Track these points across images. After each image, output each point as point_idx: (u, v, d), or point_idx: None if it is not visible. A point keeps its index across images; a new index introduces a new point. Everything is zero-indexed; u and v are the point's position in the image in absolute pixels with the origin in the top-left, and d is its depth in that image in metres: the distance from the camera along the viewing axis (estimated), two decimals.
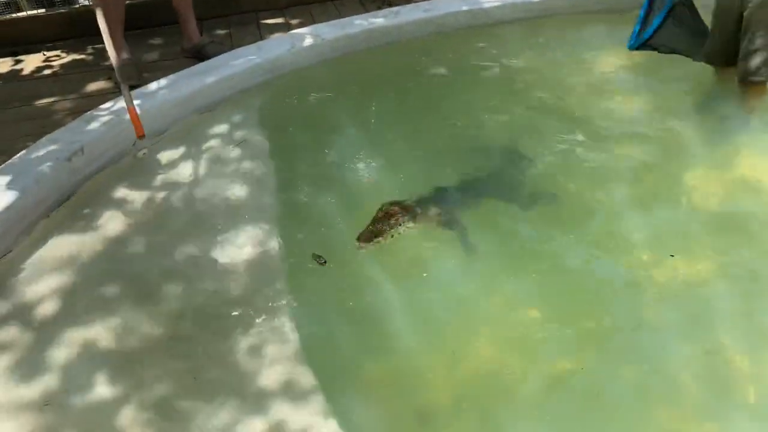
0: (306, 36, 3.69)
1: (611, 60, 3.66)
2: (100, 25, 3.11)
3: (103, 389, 1.98)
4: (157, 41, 3.57)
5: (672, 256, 2.34)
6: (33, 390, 1.99)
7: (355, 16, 3.92)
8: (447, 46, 3.85)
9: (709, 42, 3.11)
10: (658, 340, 2.09)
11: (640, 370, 2.00)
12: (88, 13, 4.13)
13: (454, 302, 2.27)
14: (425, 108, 3.37)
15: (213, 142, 3.09)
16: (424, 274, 2.38)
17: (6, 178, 2.58)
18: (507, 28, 3.97)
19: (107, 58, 3.86)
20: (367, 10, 4.29)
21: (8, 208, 2.46)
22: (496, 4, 4.00)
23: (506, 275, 2.35)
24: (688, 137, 3.01)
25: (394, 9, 4.02)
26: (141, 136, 2.90)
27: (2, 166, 2.69)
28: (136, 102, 3.00)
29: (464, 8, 3.97)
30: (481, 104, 3.35)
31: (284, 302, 2.24)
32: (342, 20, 3.92)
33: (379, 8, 4.28)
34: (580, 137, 3.06)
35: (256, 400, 1.91)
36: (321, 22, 4.08)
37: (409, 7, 4.07)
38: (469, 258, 2.40)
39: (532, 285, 2.29)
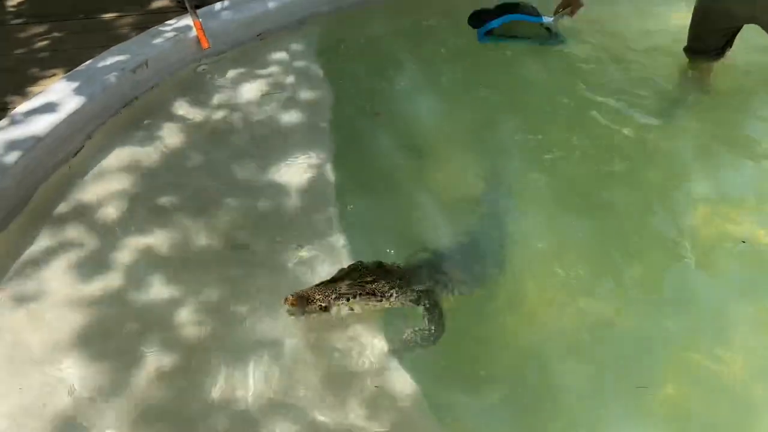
0: None
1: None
2: None
3: (161, 290, 2.08)
4: None
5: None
6: (96, 286, 2.09)
7: None
8: None
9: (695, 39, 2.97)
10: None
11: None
12: None
13: None
14: (476, 50, 3.30)
15: (272, 68, 3.11)
16: None
17: (74, 84, 2.65)
18: None
19: None
20: None
21: (76, 112, 2.53)
22: None
23: None
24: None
25: None
26: (206, 48, 2.97)
27: (71, 72, 2.76)
28: (199, 20, 3.04)
29: None
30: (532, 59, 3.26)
31: (334, 222, 2.29)
32: None
33: None
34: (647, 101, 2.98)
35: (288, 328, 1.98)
36: None
37: None
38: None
39: None
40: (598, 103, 2.87)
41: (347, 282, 1.92)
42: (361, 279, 1.94)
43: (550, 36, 3.24)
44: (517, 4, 3.23)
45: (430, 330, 1.93)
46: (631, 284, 2.10)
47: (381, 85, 3.06)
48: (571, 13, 3.14)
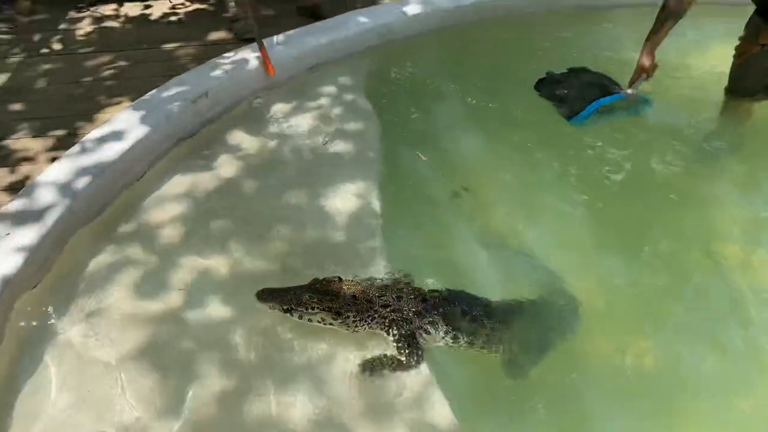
0: (418, 4, 3.77)
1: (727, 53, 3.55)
2: None
3: (215, 310, 2.20)
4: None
5: None
6: (155, 304, 2.23)
7: None
8: (555, 25, 3.85)
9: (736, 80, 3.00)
10: None
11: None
12: None
13: None
14: (523, 87, 3.39)
15: (322, 99, 3.26)
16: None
17: (139, 113, 2.83)
18: (619, 12, 3.91)
19: (228, 9, 4.08)
20: None
21: (141, 140, 2.71)
22: None
23: None
24: None
25: None
26: (272, 75, 3.18)
27: (137, 101, 2.94)
28: (255, 54, 3.21)
29: None
30: None
31: (379, 250, 2.39)
32: None
33: None
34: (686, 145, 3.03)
35: (349, 335, 2.08)
36: None
37: None
38: None
39: None
40: (639, 143, 2.92)
41: (315, 295, 2.03)
42: (325, 295, 2.04)
43: (637, 102, 3.09)
44: (585, 69, 3.24)
45: (398, 360, 1.99)
46: (667, 326, 2.13)
47: (426, 119, 3.17)
48: (648, 77, 2.99)
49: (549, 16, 3.90)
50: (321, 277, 2.12)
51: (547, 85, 3.23)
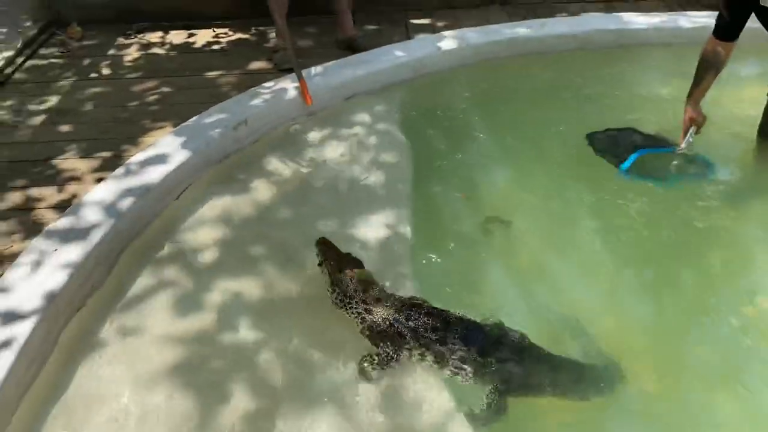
0: (451, 39, 3.87)
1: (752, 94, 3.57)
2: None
3: (247, 333, 2.27)
4: (313, 30, 3.88)
5: None
6: (189, 324, 2.30)
7: (501, 24, 4.07)
8: (588, 63, 3.90)
9: None
10: None
11: None
12: None
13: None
14: (555, 123, 3.44)
15: (356, 129, 3.35)
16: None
17: (182, 138, 2.96)
18: (652, 51, 3.96)
19: (268, 40, 4.24)
20: (511, 20, 4.40)
21: (183, 164, 2.83)
22: (643, 26, 4.00)
23: None
24: None
25: (540, 21, 4.11)
26: (309, 104, 3.32)
27: (180, 127, 3.08)
28: (296, 84, 3.34)
29: (611, 27, 4.00)
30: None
31: (408, 281, 2.44)
32: (488, 27, 4.06)
33: (524, 18, 4.37)
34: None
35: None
36: (466, 26, 4.25)
37: (555, 19, 4.16)
38: None
39: None
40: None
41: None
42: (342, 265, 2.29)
43: (696, 165, 2.99)
44: (635, 129, 3.21)
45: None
46: (689, 365, 2.14)
47: (458, 151, 3.23)
48: (697, 131, 2.92)
49: (581, 53, 3.95)
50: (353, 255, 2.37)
51: (599, 139, 3.19)
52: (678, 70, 3.79)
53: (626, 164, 2.96)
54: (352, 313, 2.20)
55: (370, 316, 2.16)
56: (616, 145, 3.13)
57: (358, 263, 2.33)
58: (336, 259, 2.33)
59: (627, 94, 3.69)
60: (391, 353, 2.10)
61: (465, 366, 2.04)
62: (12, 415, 1.94)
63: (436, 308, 2.18)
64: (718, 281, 2.49)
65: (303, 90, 3.32)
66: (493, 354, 2.03)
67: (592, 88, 3.73)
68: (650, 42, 4.01)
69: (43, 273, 2.26)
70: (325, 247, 2.40)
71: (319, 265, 2.37)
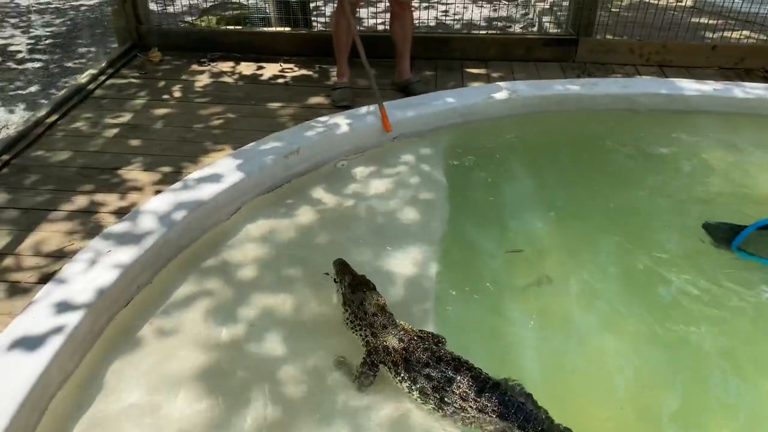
0: (503, 89, 4.01)
1: None
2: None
3: (274, 346, 2.41)
4: (373, 71, 4.05)
5: None
6: (222, 333, 2.46)
7: (553, 80, 4.19)
8: (637, 125, 3.96)
9: None
10: None
11: None
12: (322, 36, 4.84)
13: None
14: (597, 180, 3.51)
15: (400, 167, 3.50)
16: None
17: (238, 161, 3.18)
18: (703, 118, 3.99)
19: (329, 78, 4.48)
20: (565, 76, 4.53)
21: (235, 185, 3.03)
22: (694, 92, 4.04)
23: None
24: None
25: (593, 80, 4.22)
26: (389, 131, 3.60)
27: (237, 150, 3.31)
28: (348, 121, 3.54)
29: (663, 91, 4.06)
30: (654, 191, 3.42)
31: (430, 318, 2.54)
32: (540, 81, 4.20)
33: (579, 76, 4.48)
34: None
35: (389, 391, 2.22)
36: (520, 79, 4.40)
37: (608, 80, 4.25)
38: None
39: None
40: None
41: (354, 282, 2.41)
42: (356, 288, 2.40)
43: None
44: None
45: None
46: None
47: (496, 198, 3.34)
48: None
49: (631, 115, 4.01)
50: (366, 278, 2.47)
51: (719, 230, 3.05)
52: (728, 140, 3.85)
53: (740, 238, 2.87)
54: (360, 334, 2.32)
55: (374, 340, 2.26)
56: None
57: (370, 286, 2.42)
58: (350, 281, 2.44)
59: (667, 157, 3.72)
60: (369, 374, 2.22)
61: (446, 408, 2.08)
62: (51, 398, 2.12)
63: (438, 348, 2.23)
64: (737, 343, 2.47)
65: (383, 118, 3.58)
66: (484, 401, 2.04)
67: (639, 149, 3.79)
68: (702, 109, 4.04)
69: (96, 270, 2.47)
70: (342, 267, 2.53)
71: (335, 281, 2.51)
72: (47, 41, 6.32)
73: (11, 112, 4.82)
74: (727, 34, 5.08)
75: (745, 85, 4.16)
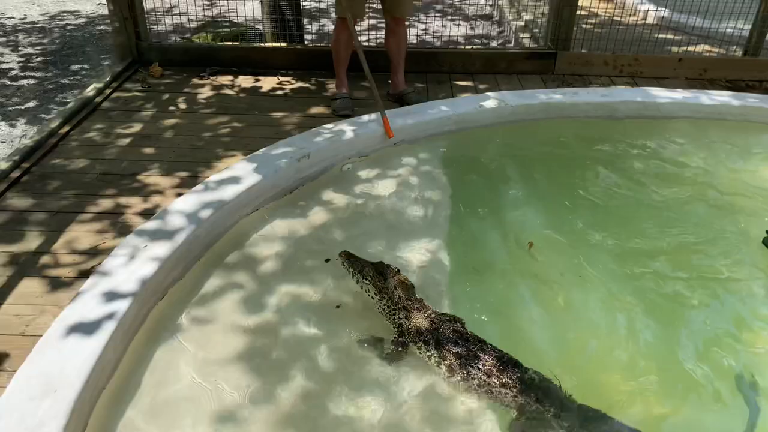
0: (492, 99, 4.31)
1: None
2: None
3: (304, 329, 2.62)
4: (368, 83, 4.32)
5: None
6: (254, 320, 2.66)
7: (538, 90, 4.52)
8: (615, 130, 4.30)
9: None
10: None
11: None
12: (316, 51, 5.11)
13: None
14: (583, 179, 3.83)
15: (402, 170, 3.76)
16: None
17: (253, 165, 3.39)
18: (675, 123, 4.35)
19: (326, 89, 4.73)
20: (546, 87, 4.86)
21: (253, 186, 3.24)
22: (666, 100, 4.41)
23: None
24: None
25: (574, 89, 4.56)
26: (391, 137, 3.86)
27: (251, 155, 3.52)
28: (352, 128, 3.79)
29: (638, 99, 4.42)
30: (632, 189, 3.74)
31: (445, 301, 2.78)
32: (525, 91, 4.53)
33: (559, 87, 4.82)
34: (727, 240, 3.34)
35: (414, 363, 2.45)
36: (504, 90, 4.71)
37: (587, 89, 4.59)
38: None
39: None
40: (696, 247, 3.26)
41: (373, 270, 2.61)
42: (379, 274, 2.60)
43: None
44: None
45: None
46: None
47: (493, 194, 3.61)
48: None
49: (611, 122, 4.36)
50: (386, 263, 2.67)
51: None
52: (700, 143, 4.21)
53: None
54: (394, 318, 2.53)
55: (408, 323, 2.49)
56: None
57: (394, 270, 2.63)
58: (376, 269, 2.62)
59: (644, 158, 4.06)
60: (401, 352, 2.45)
61: (471, 382, 2.30)
62: (108, 380, 2.28)
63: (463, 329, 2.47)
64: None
65: (385, 125, 3.84)
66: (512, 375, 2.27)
67: (619, 152, 4.13)
68: (673, 115, 4.40)
69: (136, 263, 2.64)
70: (350, 257, 2.69)
71: (360, 274, 2.62)
72: (39, 59, 6.42)
73: (12, 126, 4.93)
74: (691, 48, 5.51)
75: (711, 93, 4.55)
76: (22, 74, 6.01)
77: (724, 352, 2.63)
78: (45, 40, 7.04)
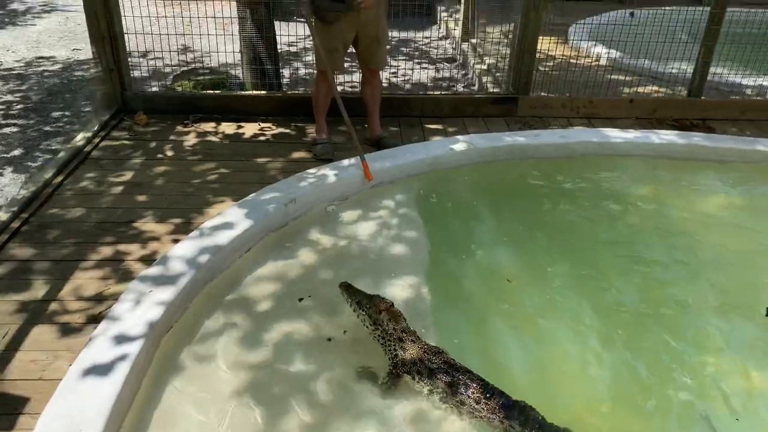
0: (462, 142, 4.66)
1: (716, 202, 4.35)
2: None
3: (300, 365, 2.85)
4: (346, 128, 4.61)
5: None
6: (253, 356, 2.88)
7: (503, 132, 4.90)
8: (575, 168, 4.68)
9: None
10: None
11: None
12: (296, 98, 5.41)
13: None
14: (547, 214, 4.20)
15: (382, 211, 4.05)
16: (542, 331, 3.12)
17: (244, 210, 3.64)
18: (628, 161, 4.75)
19: (307, 135, 5.02)
20: (510, 129, 5.24)
21: (246, 230, 3.49)
22: (620, 140, 4.82)
23: None
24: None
25: (535, 131, 4.94)
26: (370, 180, 4.14)
27: (241, 201, 3.77)
28: (334, 172, 4.07)
29: (594, 140, 4.82)
30: (592, 221, 4.12)
31: (431, 333, 3.04)
32: (492, 134, 4.90)
33: (521, 129, 5.20)
34: (680, 266, 3.72)
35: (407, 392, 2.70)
36: (472, 132, 5.07)
37: (548, 131, 4.98)
38: None
39: None
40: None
41: (369, 302, 2.85)
42: (374, 305, 2.84)
43: None
44: None
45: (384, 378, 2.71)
46: None
47: (466, 232, 3.92)
48: None
49: (570, 161, 4.73)
50: (382, 295, 2.93)
51: None
52: (651, 178, 4.62)
53: None
54: (390, 348, 2.77)
55: (403, 353, 2.74)
56: None
57: (389, 303, 2.88)
58: (372, 302, 2.87)
59: (601, 194, 4.45)
60: (396, 382, 2.68)
61: (462, 408, 2.55)
62: (125, 415, 2.48)
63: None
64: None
65: (365, 169, 4.14)
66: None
67: (580, 187, 4.53)
68: (626, 153, 4.80)
69: (142, 308, 2.86)
70: (349, 288, 2.96)
71: (358, 305, 2.87)
72: (19, 106, 6.57)
73: (0, 175, 5.08)
74: (641, 89, 5.99)
75: (659, 132, 4.99)
76: (3, 122, 6.15)
77: (688, 377, 2.93)
78: (23, 87, 7.20)
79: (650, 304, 3.38)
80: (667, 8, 6.01)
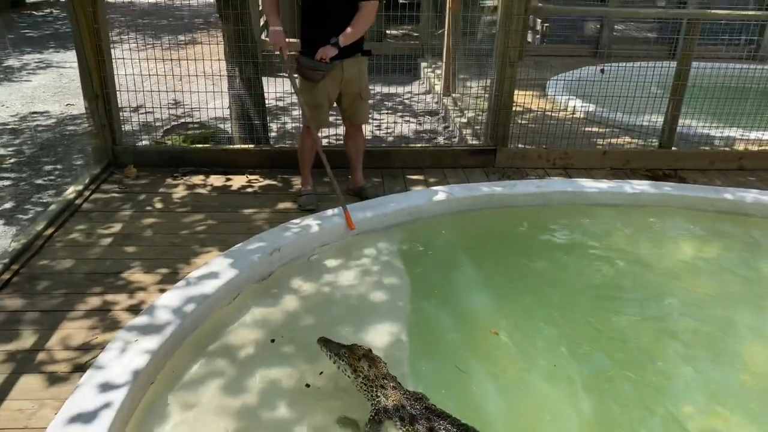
0: (442, 192, 4.84)
1: (687, 248, 4.52)
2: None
3: (283, 410, 2.92)
4: (330, 180, 4.79)
5: None
6: (236, 401, 2.96)
7: (481, 183, 5.09)
8: (551, 217, 4.86)
9: None
10: None
11: None
12: (282, 152, 5.60)
13: None
14: (525, 259, 4.33)
15: (364, 259, 4.18)
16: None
17: (229, 260, 3.76)
18: (602, 210, 4.94)
19: (292, 186, 5.19)
20: (489, 179, 5.43)
21: (230, 280, 3.60)
22: (594, 190, 5.02)
23: None
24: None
25: (512, 182, 5.14)
26: (353, 230, 4.29)
27: (227, 251, 3.89)
28: (318, 221, 4.22)
29: (569, 189, 5.01)
30: (569, 269, 4.27)
31: (409, 380, 3.13)
32: (471, 184, 5.08)
33: (500, 179, 5.40)
34: (653, 311, 3.86)
35: None
36: (452, 182, 5.26)
37: (524, 181, 5.18)
38: None
39: None
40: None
41: (348, 351, 2.90)
42: (354, 354, 2.89)
43: None
44: None
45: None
46: None
47: (447, 279, 4.05)
48: None
49: (546, 210, 4.91)
50: (360, 345, 2.98)
51: None
52: (622, 226, 4.80)
53: None
54: (371, 395, 2.82)
55: (386, 400, 2.81)
56: None
57: (368, 350, 2.95)
58: (352, 351, 2.93)
59: (576, 242, 4.62)
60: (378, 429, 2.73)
61: None
62: None
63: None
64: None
65: (347, 218, 4.29)
66: None
67: (554, 234, 4.69)
68: (600, 203, 4.99)
69: (128, 356, 2.94)
70: (328, 343, 3.02)
71: (337, 356, 2.93)
72: (12, 160, 6.73)
73: None
74: (614, 140, 6.25)
75: (632, 182, 5.20)
76: None
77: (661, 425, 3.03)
78: (16, 141, 7.37)
79: (625, 352, 3.49)
80: (643, 64, 6.35)
